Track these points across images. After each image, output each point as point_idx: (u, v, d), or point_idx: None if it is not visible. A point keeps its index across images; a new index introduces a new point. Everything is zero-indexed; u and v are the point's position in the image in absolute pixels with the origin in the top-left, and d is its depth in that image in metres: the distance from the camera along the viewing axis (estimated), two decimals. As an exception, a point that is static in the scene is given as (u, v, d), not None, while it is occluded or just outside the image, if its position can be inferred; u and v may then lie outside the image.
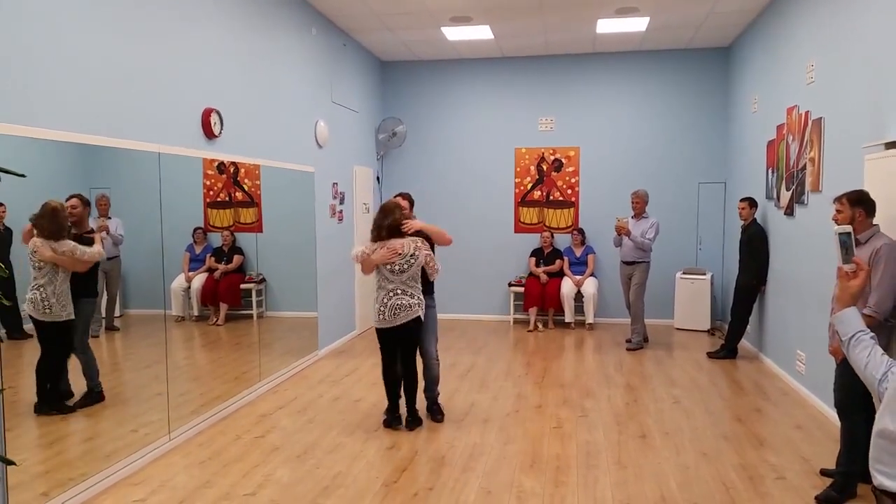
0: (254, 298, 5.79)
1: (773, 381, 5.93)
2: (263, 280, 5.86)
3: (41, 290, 3.84)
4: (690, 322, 8.16)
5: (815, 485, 3.76)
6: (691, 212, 8.56)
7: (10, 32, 3.24)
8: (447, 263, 9.08)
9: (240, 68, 5.39)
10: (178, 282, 4.88)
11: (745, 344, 7.06)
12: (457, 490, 3.74)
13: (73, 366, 3.85)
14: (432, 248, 4.83)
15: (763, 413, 5.07)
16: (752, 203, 6.59)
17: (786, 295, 5.91)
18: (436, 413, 4.97)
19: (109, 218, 4.04)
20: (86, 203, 4.04)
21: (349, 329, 7.75)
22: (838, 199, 3.64)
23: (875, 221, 3.56)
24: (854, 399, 3.43)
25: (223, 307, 5.53)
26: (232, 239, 5.51)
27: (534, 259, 8.60)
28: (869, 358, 1.87)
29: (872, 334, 1.96)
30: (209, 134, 4.90)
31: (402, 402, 4.86)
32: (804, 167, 5.44)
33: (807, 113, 5.39)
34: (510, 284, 8.74)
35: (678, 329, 8.22)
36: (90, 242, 4.00)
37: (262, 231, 5.72)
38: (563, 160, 8.81)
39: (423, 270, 4.69)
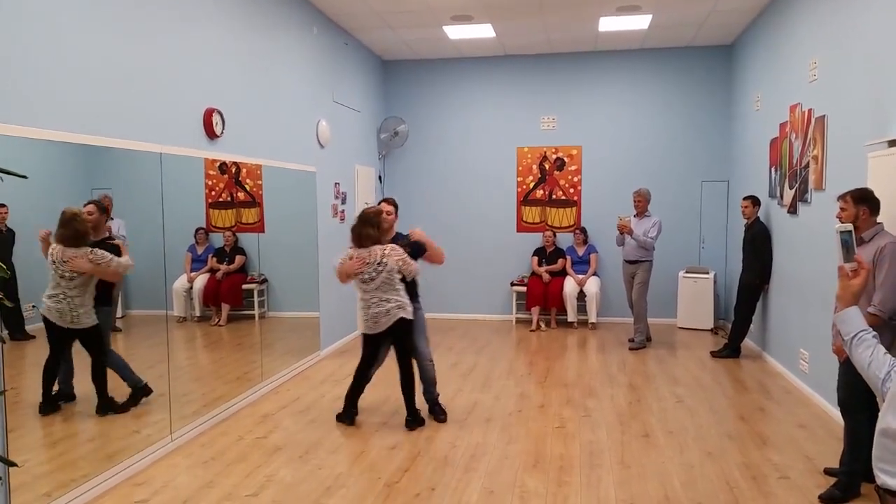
0: (255, 299, 5.79)
1: (776, 379, 5.92)
2: (265, 280, 5.86)
3: (69, 300, 3.86)
4: (693, 321, 8.14)
5: (819, 484, 3.74)
6: (694, 210, 8.54)
7: (10, 32, 3.24)
8: (449, 263, 9.10)
9: (241, 68, 5.39)
10: (180, 282, 4.88)
11: (748, 343, 7.04)
12: (459, 490, 3.73)
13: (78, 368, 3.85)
14: (416, 257, 4.84)
15: (766, 412, 5.06)
16: (755, 201, 6.57)
17: (789, 293, 5.89)
18: (438, 413, 4.96)
19: (112, 219, 4.04)
20: (102, 209, 4.06)
21: (351, 329, 7.74)
22: (842, 197, 3.62)
23: (879, 219, 3.55)
24: (857, 398, 3.42)
25: (225, 307, 5.53)
26: (234, 239, 5.51)
27: (536, 258, 8.59)
28: (872, 357, 1.86)
29: (875, 333, 1.95)
30: (211, 134, 4.90)
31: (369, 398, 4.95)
32: (807, 165, 5.42)
33: (810, 111, 5.37)
34: (512, 284, 8.73)
35: (681, 328, 8.20)
36: (111, 249, 4.04)
37: (263, 231, 5.72)
38: (566, 159, 8.80)
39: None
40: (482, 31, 7.61)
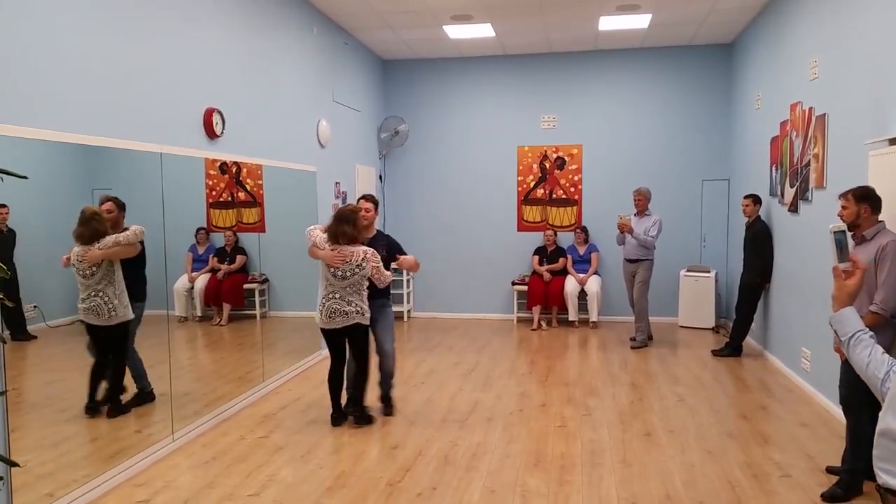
0: (257, 298, 5.79)
1: (777, 378, 5.91)
2: (266, 280, 5.86)
3: (101, 294, 3.88)
4: (695, 320, 8.14)
5: (821, 482, 3.74)
6: (695, 209, 8.53)
7: (10, 32, 3.24)
8: (450, 262, 9.13)
9: (241, 68, 5.39)
10: (181, 282, 4.88)
11: (749, 341, 7.03)
12: (461, 489, 3.73)
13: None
14: (389, 258, 4.88)
15: (768, 411, 5.05)
16: (756, 200, 6.57)
17: (790, 292, 5.89)
18: (387, 406, 5.03)
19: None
20: (121, 206, 4.08)
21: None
22: (843, 196, 3.62)
23: (881, 218, 3.54)
24: (859, 396, 3.41)
25: (226, 307, 5.52)
26: (235, 239, 5.51)
27: (537, 257, 8.59)
28: (870, 358, 1.85)
29: (872, 333, 1.94)
30: (211, 134, 4.90)
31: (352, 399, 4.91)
32: (808, 164, 5.41)
33: (810, 109, 5.37)
34: (513, 283, 8.73)
35: (682, 327, 8.19)
36: None
37: (264, 231, 5.72)
38: (566, 158, 8.79)
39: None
40: (482, 31, 7.61)
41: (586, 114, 8.70)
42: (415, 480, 3.85)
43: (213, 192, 5.08)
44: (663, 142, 8.55)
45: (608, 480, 3.83)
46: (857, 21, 4.57)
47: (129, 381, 4.17)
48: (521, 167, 8.91)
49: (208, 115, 4.86)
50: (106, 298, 3.92)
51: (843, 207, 3.60)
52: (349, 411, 4.84)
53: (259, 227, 5.66)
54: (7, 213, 3.32)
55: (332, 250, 4.57)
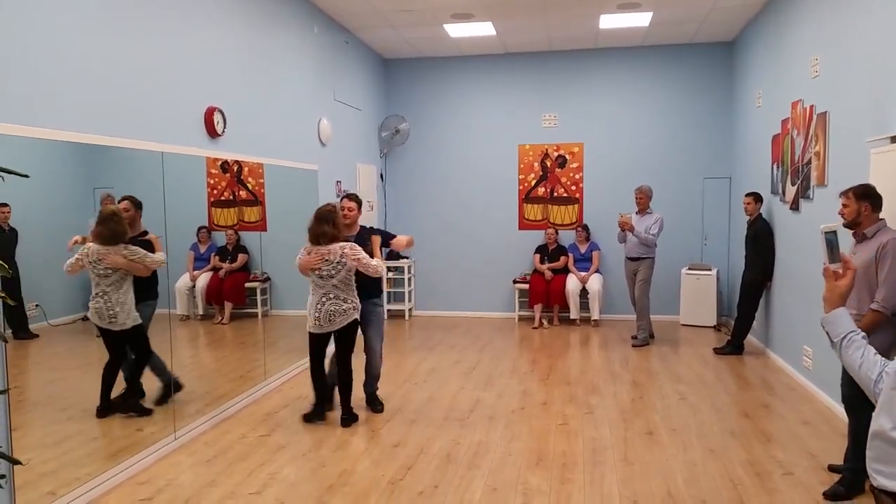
0: (258, 297, 5.79)
1: (779, 376, 5.91)
2: (268, 279, 5.86)
3: (105, 297, 3.90)
4: (696, 318, 8.13)
5: (823, 481, 3.74)
6: (696, 207, 8.53)
7: (11, 32, 3.24)
8: (451, 260, 9.13)
9: (242, 67, 5.39)
10: (183, 281, 4.89)
11: (751, 339, 7.03)
12: (462, 488, 3.73)
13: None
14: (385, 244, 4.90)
15: (770, 409, 5.05)
16: (757, 198, 6.56)
17: (792, 290, 5.88)
18: (375, 404, 5.06)
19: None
20: (138, 206, 4.11)
21: (354, 327, 7.74)
22: (844, 194, 3.62)
23: (881, 216, 3.54)
24: (861, 394, 3.37)
25: (228, 306, 5.53)
26: (236, 238, 5.51)
27: (538, 256, 8.58)
28: (863, 359, 1.85)
29: (864, 334, 1.94)
30: (212, 133, 4.90)
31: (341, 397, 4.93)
32: (809, 161, 5.41)
33: (811, 107, 5.36)
34: (515, 281, 8.73)
35: (684, 325, 8.19)
36: (145, 245, 4.11)
37: (266, 230, 5.72)
38: (567, 156, 8.79)
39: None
40: (483, 29, 7.60)
41: (587, 112, 8.70)
42: (416, 479, 3.86)
43: (215, 191, 5.08)
44: (664, 140, 8.54)
45: (610, 479, 3.83)
46: (858, 19, 4.56)
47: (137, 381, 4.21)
48: (522, 165, 8.90)
49: (209, 113, 4.86)
50: (109, 303, 3.93)
51: (844, 205, 3.60)
52: (324, 409, 4.93)
53: (260, 225, 5.67)
54: (8, 212, 3.32)
55: (308, 252, 4.58)
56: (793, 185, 5.85)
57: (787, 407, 5.07)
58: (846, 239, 3.78)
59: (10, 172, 2.39)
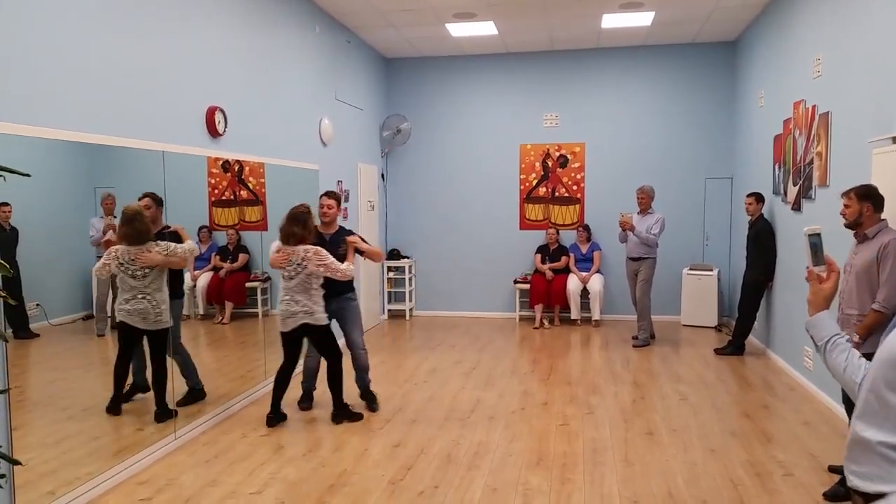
0: (259, 297, 5.79)
1: (780, 377, 5.90)
2: (268, 279, 5.86)
3: (149, 298, 3.94)
4: (697, 318, 8.13)
5: (824, 481, 3.73)
6: (698, 207, 8.52)
7: (12, 32, 3.24)
8: (452, 260, 9.12)
9: (243, 67, 5.39)
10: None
11: (752, 340, 7.02)
12: (462, 488, 3.73)
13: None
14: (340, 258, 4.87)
15: (771, 409, 5.04)
16: (759, 198, 6.55)
17: (793, 290, 5.87)
18: (371, 402, 5.09)
19: (115, 217, 4.04)
20: (159, 202, 4.15)
21: (355, 327, 7.74)
22: (846, 194, 3.61)
23: (883, 216, 3.53)
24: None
25: (228, 306, 5.53)
26: (237, 237, 5.51)
27: (539, 256, 8.58)
28: (847, 362, 1.85)
29: (848, 337, 1.93)
30: (213, 132, 4.90)
31: (299, 400, 5.11)
32: (811, 162, 5.40)
33: (814, 107, 5.35)
34: (516, 281, 8.73)
35: (685, 325, 8.18)
36: (173, 238, 4.24)
37: (266, 229, 5.72)
38: (569, 156, 8.78)
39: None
40: (484, 29, 7.60)
41: (589, 112, 8.69)
42: (417, 479, 3.85)
43: (216, 191, 5.08)
44: (666, 140, 8.53)
45: (610, 479, 3.82)
46: (860, 19, 4.56)
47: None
48: (523, 165, 8.90)
49: (210, 113, 4.86)
50: (154, 303, 4.00)
51: (846, 206, 3.59)
52: (303, 407, 5.05)
53: (261, 225, 5.67)
54: (10, 212, 3.32)
55: (278, 251, 4.59)
56: (794, 185, 5.84)
57: (788, 407, 5.07)
58: (841, 240, 3.78)
59: (11, 172, 2.40)
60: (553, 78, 8.73)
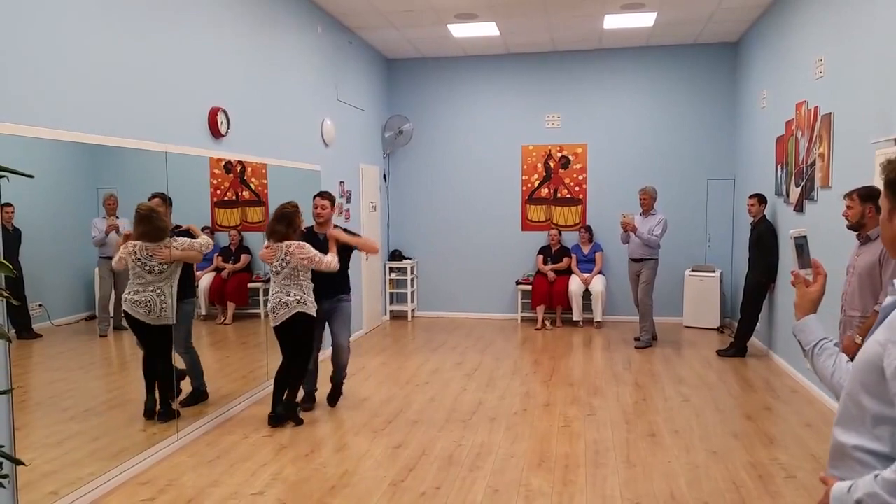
0: (261, 298, 5.79)
1: (782, 378, 5.89)
2: (270, 279, 5.86)
3: (157, 290, 3.98)
4: (699, 320, 8.11)
5: (826, 483, 3.72)
6: (700, 209, 8.51)
7: (14, 32, 3.24)
8: (454, 261, 9.12)
9: (245, 67, 5.40)
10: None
11: (754, 341, 7.01)
12: (464, 489, 3.73)
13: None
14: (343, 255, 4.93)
15: (773, 411, 5.04)
16: (761, 199, 6.54)
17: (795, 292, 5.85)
18: (335, 399, 5.18)
19: (118, 218, 4.05)
20: (168, 201, 4.19)
21: (355, 328, 7.74)
22: (848, 195, 3.61)
23: (886, 217, 3.52)
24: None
25: (231, 306, 5.54)
26: (239, 238, 5.52)
27: (541, 257, 8.58)
28: (835, 367, 1.84)
29: (836, 341, 1.93)
30: (216, 133, 4.91)
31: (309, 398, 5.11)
32: (813, 163, 5.39)
33: (816, 108, 5.35)
34: (518, 283, 8.72)
35: (687, 327, 8.17)
36: (185, 235, 4.32)
37: (268, 230, 5.72)
38: (571, 157, 8.78)
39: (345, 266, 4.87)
40: (486, 30, 7.60)
41: (591, 113, 8.69)
42: (418, 480, 3.85)
43: (218, 192, 5.09)
44: (668, 141, 8.52)
45: (612, 481, 3.82)
46: (862, 20, 4.55)
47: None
48: (525, 166, 8.90)
49: (213, 114, 4.86)
50: (162, 296, 4.04)
51: (848, 207, 3.59)
52: (305, 408, 5.03)
53: (263, 226, 5.65)
54: (12, 212, 3.33)
55: (266, 247, 4.70)
56: (797, 186, 5.83)
57: (790, 409, 5.06)
58: (843, 242, 3.78)
59: (14, 172, 2.40)
60: (555, 79, 8.73)
